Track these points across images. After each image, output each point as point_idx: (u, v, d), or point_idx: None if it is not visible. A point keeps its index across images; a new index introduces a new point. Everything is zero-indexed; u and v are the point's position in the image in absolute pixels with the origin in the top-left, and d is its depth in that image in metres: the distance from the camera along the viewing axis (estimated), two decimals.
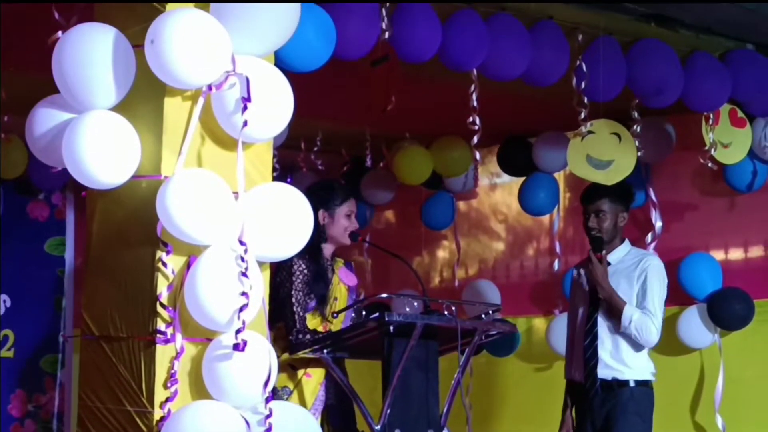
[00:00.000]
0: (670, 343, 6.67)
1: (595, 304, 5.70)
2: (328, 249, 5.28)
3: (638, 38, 5.56)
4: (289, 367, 5.16)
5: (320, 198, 5.16)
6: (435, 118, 6.94)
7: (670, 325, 6.66)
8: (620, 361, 5.64)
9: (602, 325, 5.66)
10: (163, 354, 3.87)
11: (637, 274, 5.67)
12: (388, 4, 4.77)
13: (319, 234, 5.07)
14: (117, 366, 3.97)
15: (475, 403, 7.13)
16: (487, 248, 8.01)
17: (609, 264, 5.73)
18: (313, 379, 5.19)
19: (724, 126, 6.12)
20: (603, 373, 5.64)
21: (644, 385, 5.65)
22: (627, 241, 5.81)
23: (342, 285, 5.35)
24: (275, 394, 5.07)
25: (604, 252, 5.72)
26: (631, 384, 5.63)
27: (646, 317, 5.59)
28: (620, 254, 5.75)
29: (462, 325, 4.99)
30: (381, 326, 4.80)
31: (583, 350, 5.71)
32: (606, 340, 5.65)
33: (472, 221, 8.03)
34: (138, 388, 3.90)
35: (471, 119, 5.19)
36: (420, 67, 5.04)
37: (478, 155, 5.63)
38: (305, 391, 5.18)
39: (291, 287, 5.08)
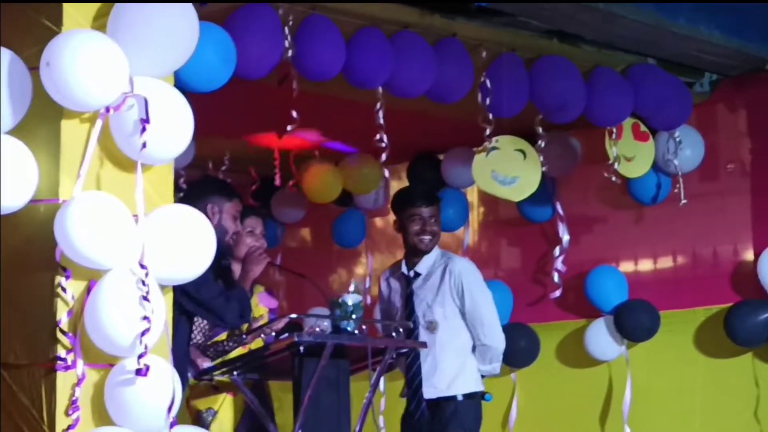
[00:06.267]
0: (578, 356, 6.76)
1: (412, 319, 5.62)
2: (238, 269, 5.25)
3: (541, 54, 5.62)
4: (212, 389, 5.13)
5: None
6: (344, 136, 6.94)
7: (577, 337, 6.76)
8: (445, 377, 5.58)
9: (427, 343, 5.51)
10: (64, 381, 3.80)
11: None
12: (290, 23, 4.76)
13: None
14: (18, 394, 3.88)
15: (390, 421, 7.13)
16: None
17: (419, 275, 5.68)
18: (238, 398, 5.17)
19: (628, 140, 6.21)
20: (429, 393, 5.58)
21: (471, 397, 5.61)
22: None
23: (261, 307, 5.33)
24: (200, 417, 5.05)
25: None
26: (459, 398, 5.59)
27: (484, 350, 5.59)
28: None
29: (373, 343, 4.98)
30: (291, 347, 4.79)
31: (406, 368, 5.64)
32: (429, 358, 5.58)
33: (388, 237, 8.04)
34: (39, 416, 3.82)
35: (378, 137, 5.20)
36: (327, 85, 5.04)
37: (387, 172, 5.65)
38: (230, 411, 5.16)
39: None
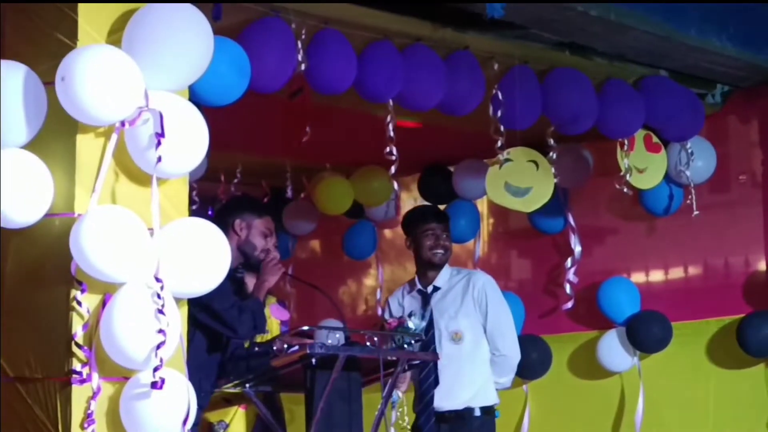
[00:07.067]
0: (590, 367, 6.76)
1: (430, 333, 5.65)
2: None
3: (553, 66, 5.63)
4: (224, 401, 5.12)
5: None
6: (355, 148, 6.96)
7: (589, 349, 6.75)
8: (470, 388, 5.63)
9: (450, 355, 5.61)
10: (79, 394, 3.81)
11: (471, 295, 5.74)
12: (303, 36, 4.78)
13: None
14: (33, 407, 3.90)
15: None
16: (412, 275, 8.02)
17: (438, 289, 5.77)
18: (250, 411, 5.16)
19: (640, 151, 6.22)
20: (450, 404, 5.62)
21: (489, 411, 5.67)
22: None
23: (273, 319, 5.33)
24: (212, 429, 5.05)
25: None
26: (477, 412, 5.64)
27: (501, 361, 5.68)
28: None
29: (384, 355, 4.98)
30: (303, 359, 4.79)
31: (418, 382, 5.67)
32: (450, 369, 5.62)
33: (398, 249, 8.04)
34: (54, 430, 3.83)
35: (388, 149, 5.22)
36: (339, 98, 5.05)
37: (396, 185, 5.68)
38: (241, 424, 5.15)
39: None
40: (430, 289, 5.78)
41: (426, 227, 5.78)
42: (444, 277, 5.78)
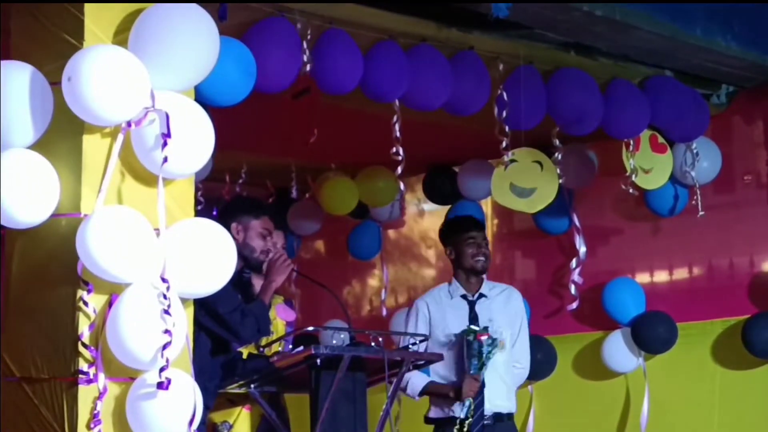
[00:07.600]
0: (596, 368, 6.76)
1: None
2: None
3: (558, 67, 5.63)
4: (228, 402, 5.12)
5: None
6: (360, 149, 6.96)
7: (594, 349, 6.76)
8: (512, 394, 5.73)
9: (495, 361, 5.64)
10: (85, 394, 3.82)
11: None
12: (309, 37, 4.78)
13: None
14: (39, 408, 3.90)
15: None
16: (417, 276, 8.04)
17: (482, 297, 5.80)
18: (254, 412, 5.16)
19: (645, 152, 6.22)
20: (500, 407, 5.66)
21: (511, 418, 5.74)
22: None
23: (279, 320, 5.32)
24: (216, 430, 5.04)
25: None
26: (509, 419, 5.71)
27: (519, 373, 5.81)
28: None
29: (389, 355, 4.98)
30: (308, 359, 4.79)
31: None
32: (494, 376, 5.65)
33: (402, 249, 8.05)
34: (60, 430, 3.84)
35: (394, 150, 5.22)
36: (344, 98, 5.06)
37: (402, 185, 5.68)
38: (245, 424, 5.15)
39: None
40: (476, 296, 5.81)
41: (468, 236, 5.81)
42: (487, 286, 5.84)
